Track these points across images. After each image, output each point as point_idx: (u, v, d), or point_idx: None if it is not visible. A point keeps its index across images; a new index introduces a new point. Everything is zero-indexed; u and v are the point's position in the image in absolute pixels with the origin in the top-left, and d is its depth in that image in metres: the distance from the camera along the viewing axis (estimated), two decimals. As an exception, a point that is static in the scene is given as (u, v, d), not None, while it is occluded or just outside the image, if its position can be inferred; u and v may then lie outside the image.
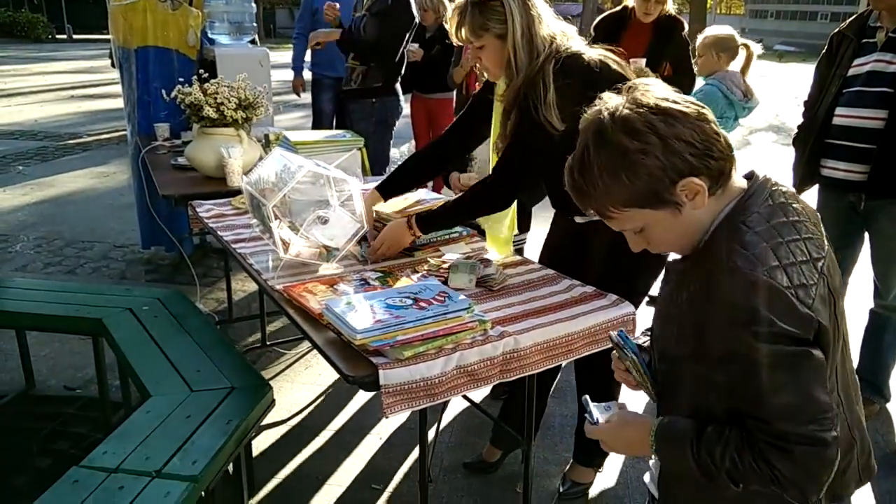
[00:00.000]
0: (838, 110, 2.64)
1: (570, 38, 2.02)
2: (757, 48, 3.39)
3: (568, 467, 2.52)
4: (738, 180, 1.12)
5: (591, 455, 2.48)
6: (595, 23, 4.05)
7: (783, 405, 0.98)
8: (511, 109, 2.01)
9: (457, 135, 2.37)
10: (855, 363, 2.89)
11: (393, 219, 2.29)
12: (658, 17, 3.83)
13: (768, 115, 12.35)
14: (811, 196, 2.74)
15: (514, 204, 2.30)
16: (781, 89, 17.11)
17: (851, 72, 2.61)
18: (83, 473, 1.75)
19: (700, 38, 3.46)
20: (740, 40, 3.38)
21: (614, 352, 1.30)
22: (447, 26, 2.10)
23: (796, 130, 2.90)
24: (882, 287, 2.76)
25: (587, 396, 1.28)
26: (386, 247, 2.17)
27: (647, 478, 1.37)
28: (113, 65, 4.45)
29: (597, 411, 1.25)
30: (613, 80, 1.99)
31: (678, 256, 1.18)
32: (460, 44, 2.09)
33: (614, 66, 2.01)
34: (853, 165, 2.59)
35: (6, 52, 21.27)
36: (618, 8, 4.02)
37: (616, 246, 2.14)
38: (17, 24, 26.99)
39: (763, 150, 9.07)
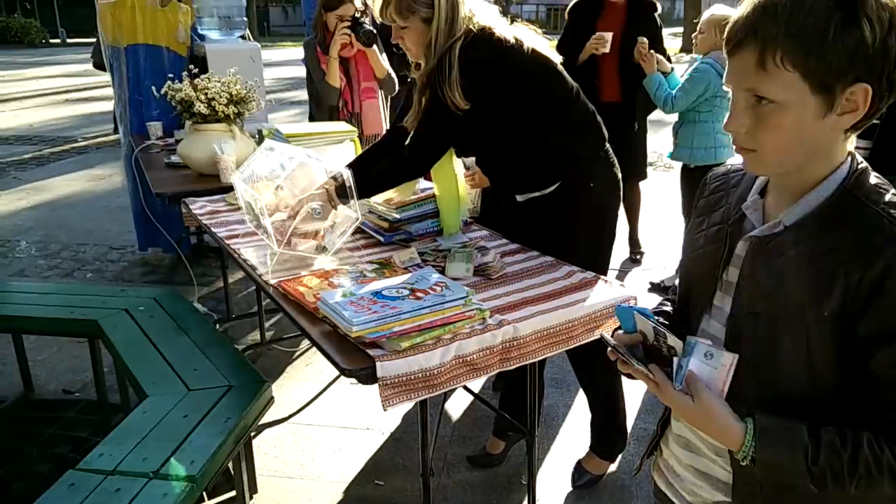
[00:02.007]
0: None
1: (487, 16, 2.02)
2: None
3: (584, 457, 2.46)
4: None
5: (613, 449, 2.43)
6: (568, 8, 4.05)
7: None
8: (424, 89, 2.02)
9: (401, 125, 2.30)
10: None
11: (389, 211, 2.25)
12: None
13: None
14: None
15: (462, 180, 2.33)
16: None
17: None
18: (80, 476, 1.72)
19: (705, 15, 3.46)
20: None
21: (613, 350, 1.05)
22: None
23: None
24: None
25: (697, 340, 0.97)
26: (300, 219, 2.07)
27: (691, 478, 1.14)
28: (95, 65, 4.40)
29: (696, 360, 0.97)
30: (527, 58, 2.03)
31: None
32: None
33: (529, 44, 2.02)
34: (858, 141, 2.54)
35: (0, 58, 21.22)
36: None
37: (559, 216, 2.16)
38: (11, 29, 26.93)
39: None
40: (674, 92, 3.48)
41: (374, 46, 3.40)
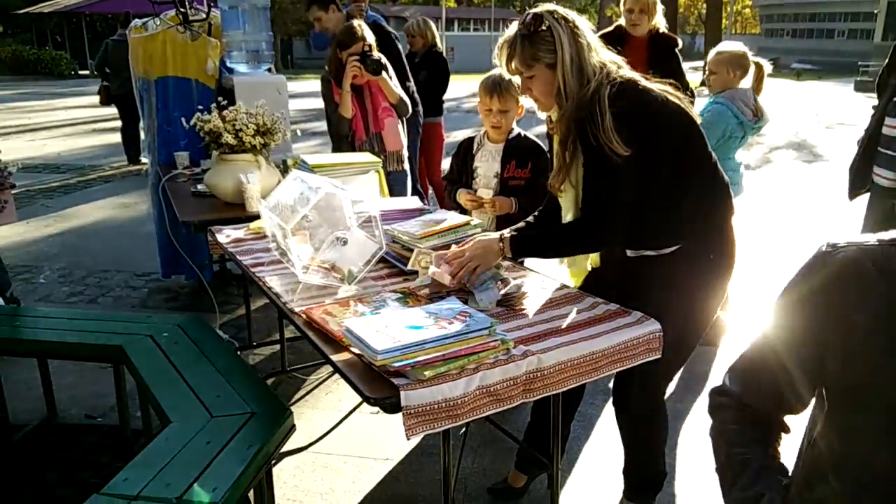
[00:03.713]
0: (888, 120, 2.72)
1: (621, 66, 2.00)
2: (768, 67, 3.37)
3: None
4: None
5: (649, 491, 2.33)
6: None
7: None
8: (566, 140, 1.96)
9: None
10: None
11: (413, 241, 2.27)
12: (653, 33, 3.92)
13: (788, 133, 12.27)
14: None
15: None
16: (800, 107, 17.01)
17: None
18: (103, 501, 1.72)
19: (712, 55, 3.44)
20: (752, 58, 3.35)
21: None
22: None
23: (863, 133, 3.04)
24: None
25: None
26: (475, 263, 2.02)
27: None
28: (102, 101, 4.50)
29: None
30: (672, 113, 1.96)
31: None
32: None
33: (673, 98, 1.97)
34: (892, 173, 2.64)
35: (31, 89, 21.75)
36: (611, 28, 4.09)
37: (667, 279, 2.03)
38: (42, 61, 27.61)
39: (784, 167, 8.98)
40: None
41: (385, 74, 3.61)
